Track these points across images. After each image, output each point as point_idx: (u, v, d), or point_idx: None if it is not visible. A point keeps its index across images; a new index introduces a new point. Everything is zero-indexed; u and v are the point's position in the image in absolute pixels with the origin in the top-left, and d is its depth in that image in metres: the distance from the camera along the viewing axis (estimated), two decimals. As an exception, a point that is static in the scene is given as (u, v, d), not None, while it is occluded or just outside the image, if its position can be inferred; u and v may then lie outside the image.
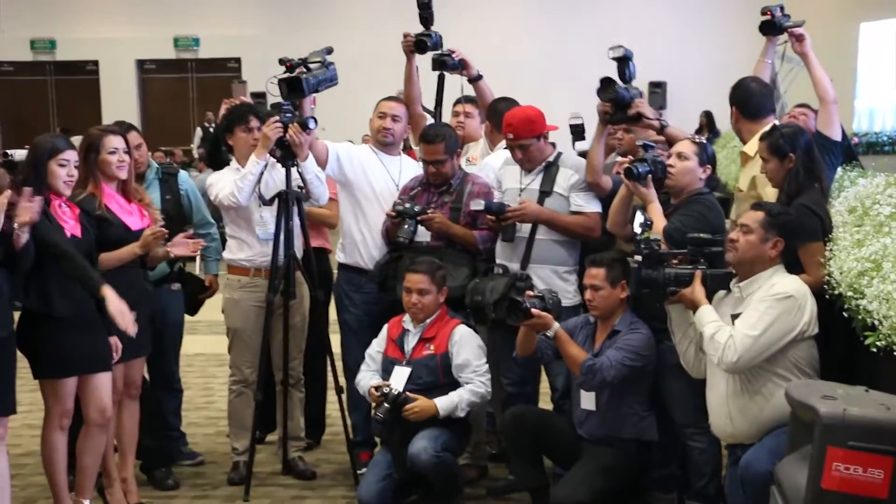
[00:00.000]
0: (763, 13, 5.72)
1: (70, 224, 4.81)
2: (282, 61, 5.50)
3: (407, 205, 5.40)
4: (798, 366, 4.29)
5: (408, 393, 5.06)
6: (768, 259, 4.40)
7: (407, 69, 5.94)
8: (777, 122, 5.23)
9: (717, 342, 4.24)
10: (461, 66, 5.90)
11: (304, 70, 5.43)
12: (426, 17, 5.92)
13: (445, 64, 5.88)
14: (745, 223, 4.43)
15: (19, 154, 5.14)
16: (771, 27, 5.70)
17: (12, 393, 4.60)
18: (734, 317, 4.34)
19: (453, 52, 5.89)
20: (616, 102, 5.19)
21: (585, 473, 4.81)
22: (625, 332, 4.86)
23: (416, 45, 5.86)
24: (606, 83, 5.21)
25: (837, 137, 5.44)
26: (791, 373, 4.26)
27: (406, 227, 5.36)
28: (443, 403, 5.06)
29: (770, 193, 4.95)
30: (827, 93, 5.42)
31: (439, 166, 5.49)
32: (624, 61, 5.36)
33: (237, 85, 6.11)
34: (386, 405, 5.02)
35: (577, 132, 6.34)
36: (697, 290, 4.40)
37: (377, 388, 5.10)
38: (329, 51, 5.58)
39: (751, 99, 5.41)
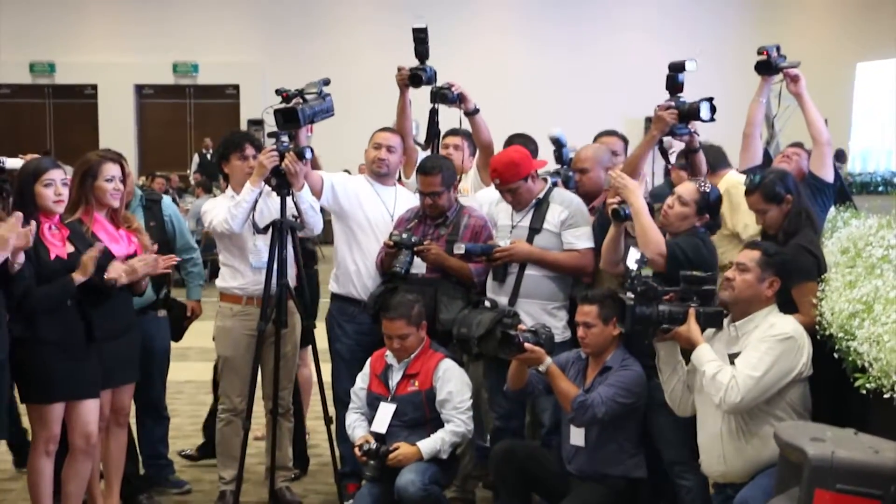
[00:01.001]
0: (759, 53, 5.76)
1: (58, 246, 4.80)
2: (278, 91, 5.51)
3: (404, 235, 5.40)
4: (793, 407, 4.28)
5: (389, 447, 5.04)
6: (764, 298, 4.40)
7: (400, 102, 5.97)
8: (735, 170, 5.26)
9: (719, 382, 4.21)
10: (460, 100, 5.90)
11: (301, 101, 5.44)
12: (421, 51, 5.92)
13: (445, 97, 5.88)
14: (742, 262, 4.42)
15: (11, 162, 5.15)
16: (766, 67, 5.73)
17: (5, 416, 4.58)
18: (731, 356, 4.32)
19: (452, 85, 5.89)
20: (683, 114, 5.24)
21: (575, 510, 4.79)
22: (616, 369, 4.85)
23: (411, 79, 5.88)
24: (710, 101, 5.25)
25: (830, 179, 5.48)
26: (787, 413, 4.26)
27: (402, 257, 5.36)
28: (425, 447, 5.04)
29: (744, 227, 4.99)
30: (821, 134, 5.47)
31: (436, 198, 5.49)
32: (558, 144, 5.65)
33: (256, 127, 6.14)
34: (372, 463, 5.02)
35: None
36: (693, 328, 4.38)
37: (360, 447, 5.10)
38: (326, 82, 5.58)
39: (707, 155, 5.52)
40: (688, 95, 5.38)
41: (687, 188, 4.97)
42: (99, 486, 5.31)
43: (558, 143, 6.04)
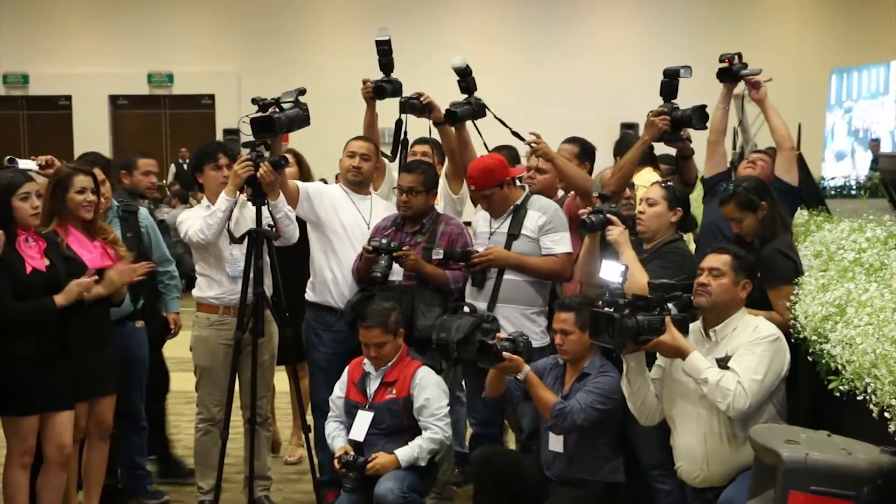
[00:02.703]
0: (721, 60, 5.83)
1: (35, 259, 4.79)
2: (254, 101, 5.50)
3: (383, 241, 5.40)
4: (777, 409, 4.32)
5: (368, 457, 5.04)
6: (739, 301, 4.43)
7: (367, 115, 5.99)
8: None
9: (724, 389, 4.17)
10: (428, 110, 5.90)
11: (277, 109, 5.44)
12: (386, 63, 5.92)
13: (413, 107, 5.87)
14: (716, 266, 4.44)
15: (24, 163, 5.20)
16: (728, 75, 5.81)
17: None
18: (719, 361, 4.32)
19: (421, 95, 5.89)
20: (676, 122, 5.31)
21: (553, 515, 4.81)
22: (595, 375, 4.87)
23: (375, 91, 5.88)
24: (702, 110, 5.39)
25: (795, 183, 5.56)
26: (771, 415, 4.29)
27: (382, 262, 5.36)
28: (403, 455, 5.05)
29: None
30: (784, 139, 5.57)
31: (412, 195, 5.52)
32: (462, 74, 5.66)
33: (231, 137, 6.05)
34: (351, 475, 5.02)
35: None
36: (678, 336, 4.32)
37: (339, 458, 5.10)
38: (302, 91, 5.57)
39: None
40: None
41: (651, 190, 5.08)
42: (76, 498, 5.29)
43: (462, 73, 5.85)
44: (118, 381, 5.34)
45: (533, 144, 5.60)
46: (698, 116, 5.38)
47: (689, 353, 4.29)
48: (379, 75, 5.94)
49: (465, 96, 5.77)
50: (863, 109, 18.62)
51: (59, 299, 4.74)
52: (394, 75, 5.96)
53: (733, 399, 4.17)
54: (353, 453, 5.09)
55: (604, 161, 6.66)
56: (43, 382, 4.79)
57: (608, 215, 4.94)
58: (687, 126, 5.44)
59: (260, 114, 5.40)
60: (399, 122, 6.03)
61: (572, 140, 6.20)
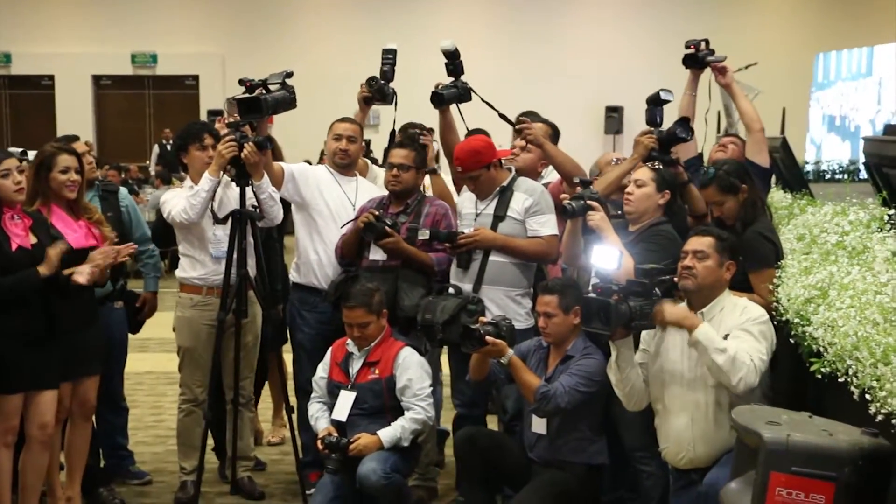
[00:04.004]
0: (687, 47, 5.87)
1: (21, 236, 4.77)
2: (241, 81, 5.47)
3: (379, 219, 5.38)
4: (764, 391, 4.33)
5: (350, 438, 5.04)
6: (724, 283, 4.44)
7: (359, 117, 5.97)
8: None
9: (741, 363, 4.14)
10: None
11: (263, 91, 5.42)
12: (387, 72, 5.87)
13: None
14: (700, 249, 4.44)
15: (13, 150, 5.18)
16: (694, 61, 5.85)
17: None
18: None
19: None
20: (664, 141, 5.37)
21: (535, 495, 4.82)
22: (578, 358, 4.87)
23: (366, 101, 5.90)
24: (685, 122, 5.44)
25: (766, 164, 5.62)
26: (758, 397, 4.30)
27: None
28: (386, 436, 5.04)
29: None
30: (754, 122, 5.65)
31: (402, 171, 5.52)
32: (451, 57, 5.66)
33: (230, 102, 6.10)
34: (334, 456, 5.02)
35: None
36: (680, 310, 4.34)
37: (322, 439, 5.10)
38: (289, 74, 5.54)
39: None
40: (655, 87, 5.50)
41: (640, 172, 5.09)
42: (58, 478, 5.29)
43: (451, 56, 5.82)
44: (102, 361, 5.33)
45: (524, 130, 5.61)
46: (683, 128, 5.43)
47: (698, 325, 4.28)
48: (371, 55, 5.91)
49: (452, 79, 5.75)
50: (842, 94, 18.64)
51: (43, 269, 4.72)
52: (373, 58, 5.95)
53: (746, 373, 4.14)
54: (336, 434, 5.09)
55: (592, 143, 6.67)
56: (27, 361, 4.77)
57: (588, 201, 4.94)
58: (674, 141, 5.46)
59: (247, 95, 5.38)
60: (393, 133, 6.03)
61: (543, 120, 6.19)
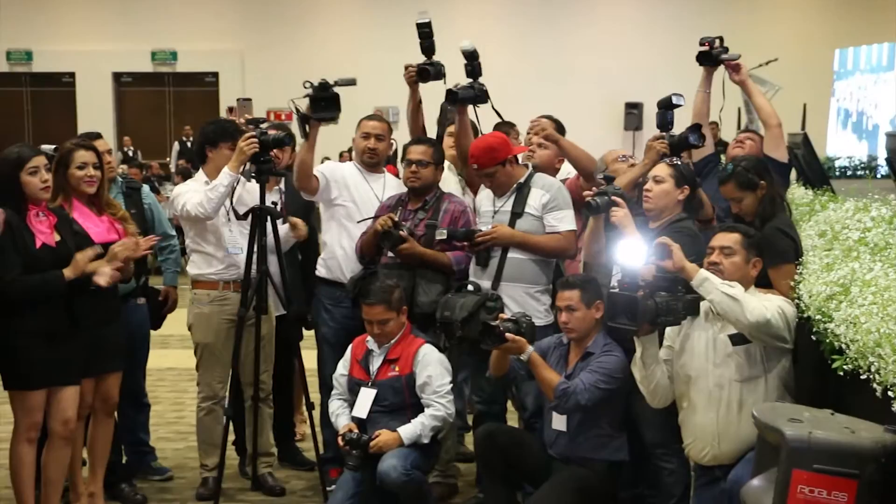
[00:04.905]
0: (701, 44, 5.86)
1: (45, 233, 4.80)
2: (308, 83, 5.48)
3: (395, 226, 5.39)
4: (786, 386, 4.33)
5: (371, 434, 5.04)
6: (750, 279, 4.44)
7: (411, 100, 5.94)
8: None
9: (750, 298, 4.20)
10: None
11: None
12: (427, 46, 5.78)
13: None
14: (727, 245, 4.44)
15: (46, 147, 5.22)
16: (707, 58, 5.84)
17: None
18: (733, 337, 4.35)
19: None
20: (675, 145, 5.39)
21: (555, 492, 4.81)
22: (598, 355, 4.87)
23: (419, 75, 5.76)
24: (697, 128, 5.48)
25: (784, 159, 5.62)
26: (780, 393, 4.32)
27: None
28: (406, 432, 5.05)
29: None
30: (771, 117, 5.66)
31: (420, 167, 5.53)
32: (470, 58, 5.60)
33: (242, 103, 6.13)
34: (355, 452, 5.03)
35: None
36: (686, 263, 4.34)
37: (343, 436, 5.11)
38: (352, 82, 5.52)
39: None
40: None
41: (658, 168, 5.08)
42: (81, 474, 5.31)
43: (470, 57, 5.74)
44: (124, 358, 5.36)
45: (535, 129, 5.61)
46: (695, 135, 5.44)
47: (696, 272, 4.30)
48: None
49: (470, 80, 5.73)
50: (860, 88, 18.51)
51: (68, 272, 4.75)
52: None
53: (756, 307, 4.17)
54: (356, 431, 5.10)
55: (608, 140, 6.66)
56: (50, 358, 4.79)
57: (613, 197, 4.93)
58: (686, 147, 5.48)
59: (321, 93, 5.40)
60: (444, 108, 6.02)
61: (547, 116, 6.17)
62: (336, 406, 5.35)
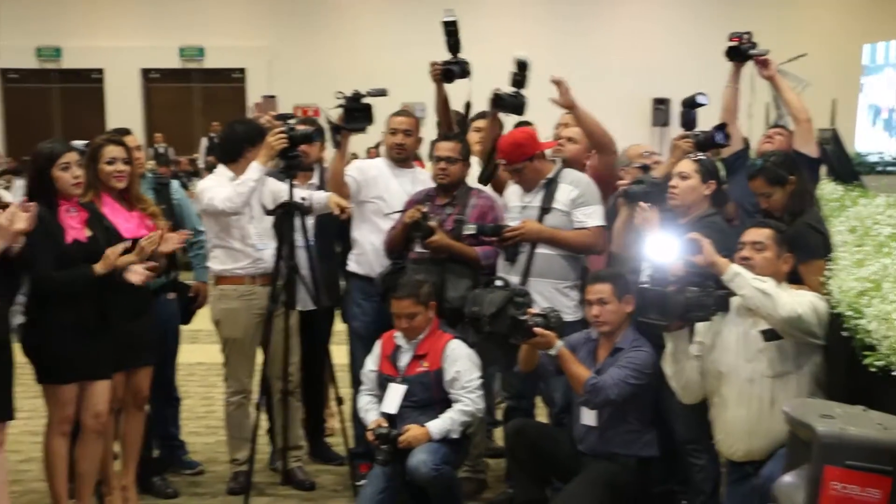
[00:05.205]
0: (730, 39, 5.84)
1: (76, 229, 4.83)
2: (339, 94, 5.59)
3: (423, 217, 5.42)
4: (818, 382, 4.32)
5: (401, 430, 5.06)
6: (781, 275, 4.43)
7: (438, 97, 5.96)
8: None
9: (781, 293, 4.18)
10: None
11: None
12: (452, 44, 5.80)
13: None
14: (759, 240, 4.44)
15: (78, 143, 5.24)
16: (737, 53, 5.83)
17: (8, 399, 4.62)
18: (765, 332, 4.33)
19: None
20: (701, 144, 5.37)
21: (585, 487, 4.82)
22: (627, 350, 4.87)
23: (444, 75, 5.81)
24: (723, 127, 5.46)
25: (815, 154, 5.59)
26: (812, 389, 4.31)
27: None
28: (435, 427, 5.06)
29: None
30: (800, 113, 5.64)
31: (449, 164, 5.55)
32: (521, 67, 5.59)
33: (265, 100, 6.09)
34: (384, 447, 5.04)
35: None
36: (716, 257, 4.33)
37: (372, 430, 5.13)
38: (382, 92, 5.62)
39: None
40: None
41: (683, 165, 5.06)
42: (113, 467, 5.35)
43: (521, 67, 5.68)
44: (155, 352, 5.39)
45: (560, 88, 5.57)
46: (721, 134, 5.44)
47: (727, 267, 4.29)
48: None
49: (515, 90, 5.69)
50: (890, 83, 18.32)
51: (98, 267, 4.79)
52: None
53: (787, 302, 4.16)
54: (386, 425, 5.12)
55: (635, 136, 6.63)
56: (81, 352, 4.83)
57: (647, 189, 4.92)
58: (712, 146, 5.47)
59: (356, 103, 5.53)
60: (468, 106, 6.05)
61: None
62: (365, 401, 5.37)
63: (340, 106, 5.56)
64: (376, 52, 20.78)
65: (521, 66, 5.64)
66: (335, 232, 6.06)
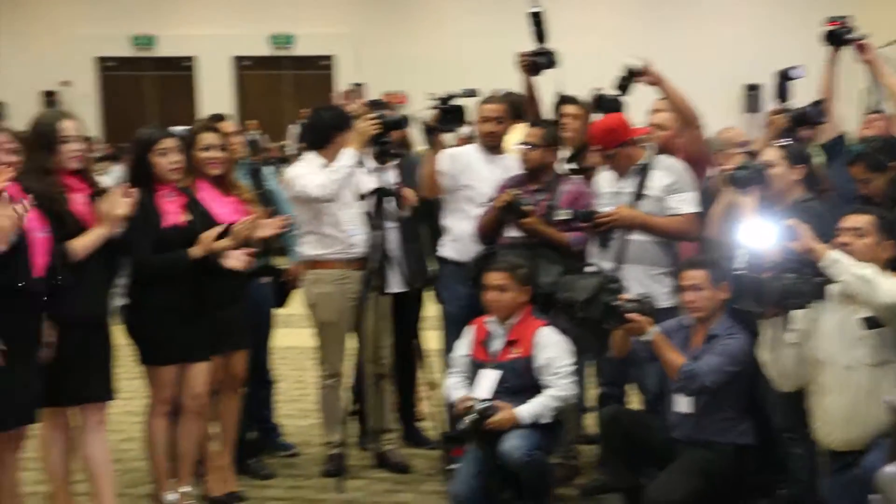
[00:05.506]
0: (827, 24, 5.74)
1: (174, 214, 4.92)
2: (433, 96, 5.74)
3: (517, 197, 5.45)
4: None
5: (495, 402, 5.04)
6: (881, 262, 4.34)
7: (525, 87, 5.98)
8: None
9: (882, 278, 4.12)
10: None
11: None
12: (538, 34, 5.82)
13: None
14: (858, 226, 4.36)
15: (178, 129, 5.36)
16: (834, 37, 5.73)
17: (109, 379, 4.74)
18: (867, 319, 4.24)
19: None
20: (796, 119, 5.39)
21: (680, 475, 4.78)
22: (723, 337, 4.83)
23: (530, 68, 5.86)
24: (819, 104, 5.47)
25: None
26: None
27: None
28: (525, 412, 5.04)
29: None
30: None
31: (529, 150, 5.56)
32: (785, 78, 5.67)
33: (353, 88, 6.19)
34: (469, 418, 5.01)
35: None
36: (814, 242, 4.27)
37: (464, 400, 5.12)
38: (472, 93, 5.75)
39: None
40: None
41: (768, 153, 4.99)
42: (210, 448, 5.44)
43: (634, 73, 5.71)
44: (250, 335, 5.47)
45: (646, 70, 5.55)
46: (817, 111, 5.36)
47: (825, 253, 4.22)
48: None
49: (618, 93, 5.71)
50: None
51: (195, 252, 4.87)
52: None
53: (892, 286, 4.09)
54: (474, 400, 5.08)
55: (726, 123, 6.53)
56: (179, 335, 4.94)
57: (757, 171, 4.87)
58: (806, 122, 5.39)
59: (449, 104, 5.68)
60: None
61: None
62: (454, 381, 5.37)
63: (435, 107, 5.66)
64: (463, 38, 20.73)
65: (633, 74, 5.64)
66: (421, 216, 6.09)
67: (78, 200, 4.62)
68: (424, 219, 6.09)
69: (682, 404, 4.93)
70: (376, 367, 5.84)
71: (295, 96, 22.93)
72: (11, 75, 19.42)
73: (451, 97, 5.70)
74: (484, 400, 5.05)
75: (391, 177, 5.68)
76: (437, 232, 6.05)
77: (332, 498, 5.56)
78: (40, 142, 4.61)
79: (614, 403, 5.40)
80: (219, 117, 5.81)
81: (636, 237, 5.33)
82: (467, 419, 5.00)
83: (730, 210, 5.03)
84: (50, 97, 20.93)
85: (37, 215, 4.30)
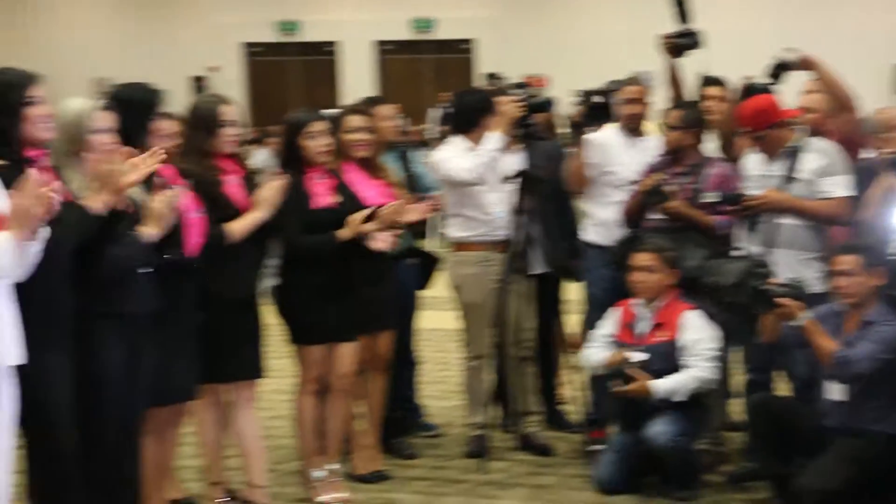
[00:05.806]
0: None
1: (323, 196, 5.01)
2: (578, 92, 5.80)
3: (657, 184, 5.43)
4: None
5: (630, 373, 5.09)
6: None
7: (666, 70, 5.94)
8: None
9: None
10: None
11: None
12: (680, 13, 5.77)
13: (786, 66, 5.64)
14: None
15: (329, 111, 5.51)
16: None
17: (258, 358, 4.87)
18: None
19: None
20: None
21: (833, 463, 4.67)
22: (879, 324, 4.70)
23: (673, 49, 5.81)
24: None
25: None
26: None
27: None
28: (660, 386, 5.05)
29: None
30: None
31: (670, 132, 5.55)
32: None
33: (491, 80, 6.26)
34: (629, 364, 5.07)
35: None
36: None
37: (614, 357, 5.17)
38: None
39: None
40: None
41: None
42: (353, 426, 5.52)
43: (789, 66, 5.60)
44: (396, 317, 5.55)
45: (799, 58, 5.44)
46: None
47: None
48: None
49: (770, 82, 5.59)
50: None
51: (342, 233, 4.96)
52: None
53: None
54: (629, 354, 5.12)
55: (875, 104, 6.31)
56: (328, 315, 5.02)
57: None
58: None
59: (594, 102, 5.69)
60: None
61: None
62: (593, 351, 5.38)
63: (582, 104, 5.68)
64: (603, 20, 20.56)
65: (788, 66, 5.54)
66: (556, 197, 6.08)
67: (231, 182, 4.75)
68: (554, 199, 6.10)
69: (835, 391, 4.81)
70: (519, 349, 5.84)
71: (435, 80, 23.04)
72: (161, 63, 20.00)
73: (595, 92, 5.66)
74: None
75: (531, 159, 5.68)
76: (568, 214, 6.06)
77: (474, 479, 5.60)
78: (200, 125, 4.75)
79: (762, 390, 5.30)
80: (376, 100, 5.88)
81: (786, 221, 5.22)
82: (615, 371, 5.09)
83: (888, 194, 4.88)
84: (199, 82, 21.52)
85: (192, 196, 4.44)
